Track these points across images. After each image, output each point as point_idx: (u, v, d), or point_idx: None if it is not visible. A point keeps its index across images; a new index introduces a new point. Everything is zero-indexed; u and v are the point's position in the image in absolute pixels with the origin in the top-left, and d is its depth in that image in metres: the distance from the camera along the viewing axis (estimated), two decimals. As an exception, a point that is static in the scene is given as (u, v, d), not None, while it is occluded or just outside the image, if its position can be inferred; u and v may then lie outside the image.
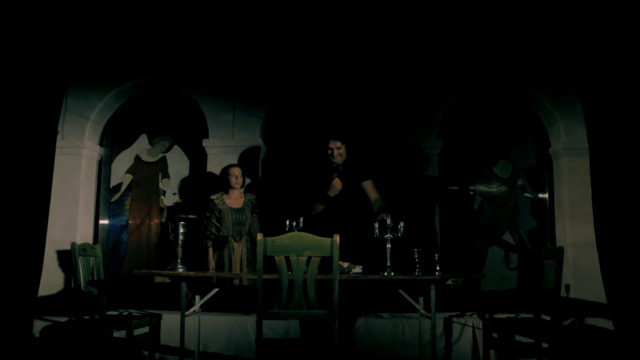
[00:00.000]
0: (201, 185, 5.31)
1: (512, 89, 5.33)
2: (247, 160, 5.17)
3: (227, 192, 4.67)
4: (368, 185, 4.15)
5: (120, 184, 5.60)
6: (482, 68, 5.21)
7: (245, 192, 4.75)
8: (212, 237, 4.61)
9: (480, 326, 3.95)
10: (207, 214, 4.63)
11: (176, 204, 5.52)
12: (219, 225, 4.61)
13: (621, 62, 3.28)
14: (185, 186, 5.55)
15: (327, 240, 2.83)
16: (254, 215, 4.68)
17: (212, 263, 4.60)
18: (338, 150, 4.07)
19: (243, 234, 4.62)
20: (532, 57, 5.13)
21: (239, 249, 4.61)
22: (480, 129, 5.52)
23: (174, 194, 5.55)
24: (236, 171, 4.64)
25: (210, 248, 4.61)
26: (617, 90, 3.30)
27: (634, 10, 3.21)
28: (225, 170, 4.69)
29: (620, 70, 3.29)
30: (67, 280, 5.00)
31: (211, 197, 4.67)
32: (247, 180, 5.01)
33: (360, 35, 5.10)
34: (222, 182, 4.74)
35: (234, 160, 5.12)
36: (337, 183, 4.04)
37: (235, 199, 4.66)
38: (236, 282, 4.54)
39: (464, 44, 5.13)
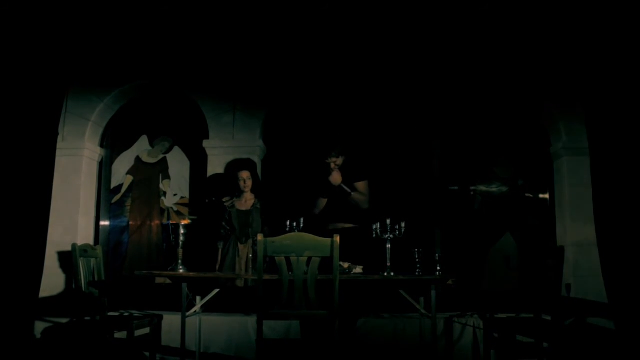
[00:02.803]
0: (202, 187, 5.31)
1: (513, 89, 5.33)
2: (247, 161, 5.17)
3: (239, 196, 4.72)
4: (361, 186, 4.20)
5: (121, 185, 5.61)
6: (483, 68, 5.20)
7: (256, 194, 4.77)
8: (220, 238, 4.67)
9: (481, 326, 3.95)
10: (219, 216, 4.69)
11: (176, 205, 5.53)
12: (228, 227, 4.66)
13: (622, 64, 3.28)
14: (185, 187, 5.55)
15: (327, 240, 2.83)
16: (265, 217, 4.71)
17: (220, 263, 4.65)
18: (335, 163, 4.16)
19: (250, 236, 4.64)
20: (533, 57, 5.13)
21: (244, 250, 4.63)
22: (480, 128, 5.51)
23: (175, 195, 5.56)
24: (244, 175, 4.67)
25: (220, 249, 4.67)
26: (618, 91, 3.31)
27: (635, 13, 3.21)
28: (235, 174, 4.72)
29: (621, 71, 3.29)
30: (68, 282, 5.00)
31: (222, 200, 4.73)
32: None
33: (360, 36, 5.09)
34: (234, 186, 4.76)
35: (234, 161, 5.13)
36: (336, 173, 4.15)
37: (245, 201, 4.70)
38: (240, 283, 4.55)
39: (465, 43, 5.12)
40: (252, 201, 4.71)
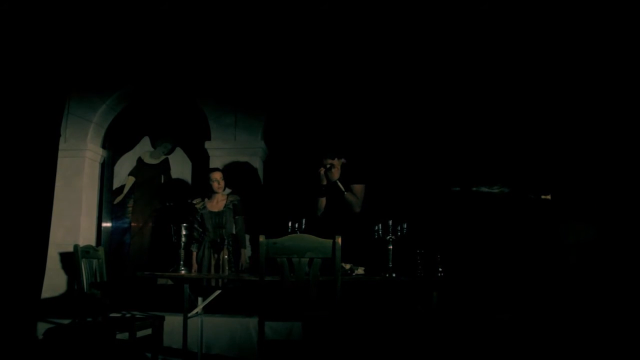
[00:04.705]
0: (203, 187, 5.32)
1: (514, 90, 5.32)
2: (248, 162, 5.18)
3: (210, 197, 4.68)
4: (357, 189, 4.21)
5: (123, 186, 5.62)
6: (484, 68, 5.19)
7: (231, 194, 4.73)
8: (194, 241, 4.60)
9: (482, 327, 3.95)
10: (190, 219, 4.64)
11: (177, 205, 5.53)
12: (200, 229, 4.61)
13: (619, 65, 3.29)
14: (186, 188, 5.56)
15: (328, 241, 2.83)
16: (238, 217, 4.67)
17: (194, 266, 4.58)
18: (334, 166, 4.16)
19: (224, 237, 4.59)
20: (535, 58, 5.11)
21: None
22: (482, 129, 5.51)
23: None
24: (217, 176, 4.62)
25: (194, 252, 4.60)
26: (617, 92, 3.31)
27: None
28: (207, 176, 4.69)
29: (620, 73, 3.30)
30: (70, 283, 5.01)
31: (192, 202, 4.68)
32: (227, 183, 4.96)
33: (361, 38, 5.10)
34: (205, 187, 4.73)
35: (237, 162, 5.13)
36: (335, 170, 4.15)
37: (216, 202, 4.65)
38: (213, 282, 4.51)
39: (465, 43, 5.11)
40: (224, 202, 4.66)
